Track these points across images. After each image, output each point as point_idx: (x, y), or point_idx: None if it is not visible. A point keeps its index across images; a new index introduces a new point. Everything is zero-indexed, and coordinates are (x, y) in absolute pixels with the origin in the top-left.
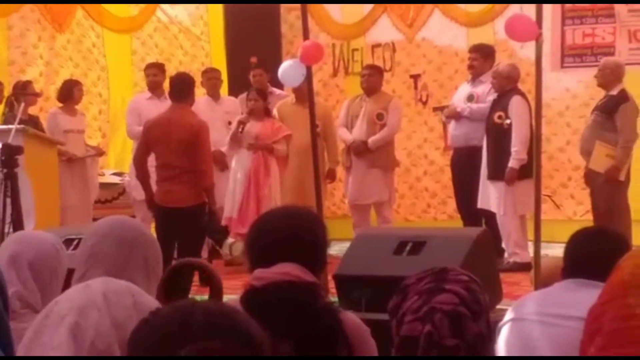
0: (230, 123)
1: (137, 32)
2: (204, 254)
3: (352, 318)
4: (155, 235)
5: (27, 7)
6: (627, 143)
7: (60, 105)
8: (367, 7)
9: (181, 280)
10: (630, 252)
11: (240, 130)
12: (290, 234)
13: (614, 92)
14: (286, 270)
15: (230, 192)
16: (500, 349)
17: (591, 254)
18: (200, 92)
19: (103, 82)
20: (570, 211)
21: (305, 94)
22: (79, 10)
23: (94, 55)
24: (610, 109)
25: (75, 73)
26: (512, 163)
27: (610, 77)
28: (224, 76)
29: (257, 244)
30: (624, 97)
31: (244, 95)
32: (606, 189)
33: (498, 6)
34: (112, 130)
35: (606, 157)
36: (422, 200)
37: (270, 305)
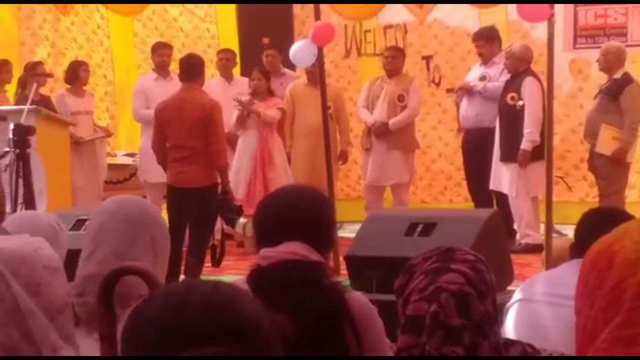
0: None
1: (139, 15)
2: (217, 235)
3: (358, 297)
4: (166, 215)
5: None
6: (633, 124)
7: (68, 86)
8: None
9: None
10: (616, 233)
11: (246, 113)
12: (296, 213)
13: (618, 75)
14: (292, 249)
15: (234, 173)
16: (509, 329)
17: (601, 234)
18: (208, 73)
19: (107, 63)
20: (583, 192)
21: (317, 75)
22: None
23: (98, 37)
24: (615, 92)
25: (80, 55)
26: (525, 145)
27: (613, 61)
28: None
29: (263, 223)
30: (628, 79)
31: None
32: (612, 170)
33: None
34: (120, 111)
35: (612, 139)
36: (439, 182)
37: (275, 284)
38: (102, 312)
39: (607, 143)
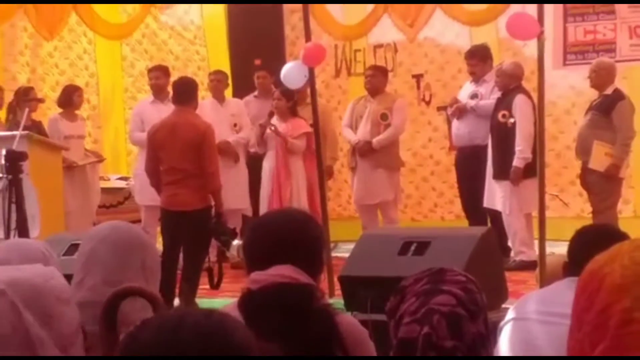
0: (235, 125)
1: (127, 39)
2: (212, 257)
3: (349, 320)
4: (161, 239)
5: (16, 15)
6: (625, 140)
7: (60, 111)
8: (369, 8)
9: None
10: (609, 254)
11: (261, 133)
12: (286, 236)
13: (609, 91)
14: (282, 272)
15: (262, 195)
16: (503, 348)
17: (594, 253)
18: (200, 95)
19: (91, 88)
20: (578, 209)
21: (305, 95)
22: (72, 16)
23: (84, 62)
24: (607, 108)
25: (61, 80)
26: (517, 162)
27: (605, 77)
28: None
29: (253, 247)
30: (619, 95)
31: (248, 97)
32: (605, 186)
33: (501, 4)
34: (104, 135)
35: (605, 155)
36: (429, 200)
37: (266, 308)
38: (105, 336)
39: (600, 159)
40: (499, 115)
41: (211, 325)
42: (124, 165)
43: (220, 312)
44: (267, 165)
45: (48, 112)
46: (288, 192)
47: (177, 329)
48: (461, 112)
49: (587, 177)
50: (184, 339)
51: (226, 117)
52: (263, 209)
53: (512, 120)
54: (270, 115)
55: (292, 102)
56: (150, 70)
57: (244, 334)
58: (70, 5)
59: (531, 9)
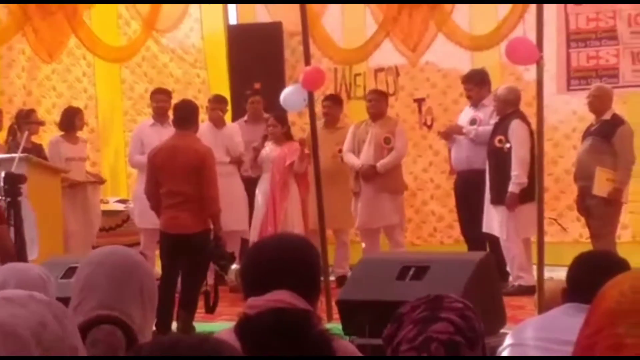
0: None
1: (127, 61)
2: (210, 280)
3: (345, 346)
4: (160, 262)
5: (14, 38)
6: (628, 165)
7: (61, 133)
8: (369, 31)
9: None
10: (614, 280)
11: (254, 157)
12: (282, 261)
13: (607, 116)
14: (279, 297)
15: (254, 218)
16: None
17: (593, 279)
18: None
19: (90, 110)
20: (577, 234)
21: (336, 120)
22: (72, 39)
23: (83, 85)
24: (607, 133)
25: (59, 103)
26: (512, 187)
27: (606, 103)
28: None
29: (250, 272)
30: (619, 120)
31: (239, 121)
32: (606, 211)
33: (503, 29)
34: (103, 158)
35: (607, 181)
36: (429, 224)
37: (262, 333)
38: None
39: (602, 185)
40: (496, 141)
41: (206, 351)
42: (123, 188)
43: (216, 338)
44: (262, 188)
45: (44, 135)
46: (282, 215)
47: (172, 351)
48: (454, 131)
49: (588, 202)
50: None
51: (222, 142)
52: (254, 232)
53: (508, 145)
54: (264, 139)
55: (286, 127)
56: (154, 93)
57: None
58: (69, 28)
59: (532, 34)
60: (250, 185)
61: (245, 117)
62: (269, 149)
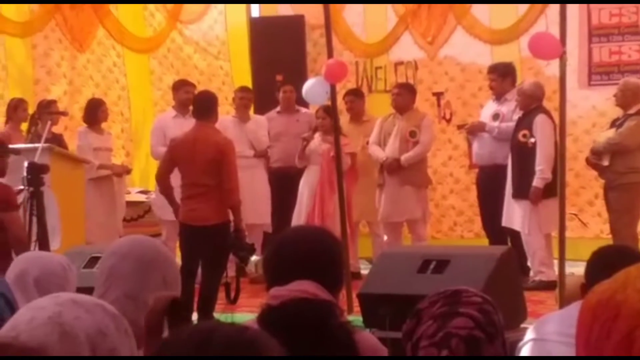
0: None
1: (154, 52)
2: (231, 271)
3: (368, 338)
4: (180, 253)
5: (49, 26)
6: None
7: (86, 125)
8: (390, 25)
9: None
10: (611, 283)
11: (303, 147)
12: (306, 252)
13: (632, 111)
14: (302, 287)
15: (297, 209)
16: None
17: (610, 275)
18: (223, 110)
19: (124, 101)
20: (597, 229)
21: (362, 113)
22: (100, 29)
23: (114, 75)
24: None
25: (97, 92)
26: (537, 182)
27: (631, 98)
28: None
29: (274, 262)
30: None
31: (271, 112)
32: (624, 203)
33: (523, 23)
34: (135, 148)
35: None
36: (449, 218)
37: (285, 323)
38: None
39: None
40: (520, 135)
41: (243, 339)
42: (153, 179)
43: (255, 329)
44: (309, 180)
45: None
46: (331, 208)
47: (209, 339)
48: (477, 129)
49: (608, 195)
50: (214, 349)
51: (246, 136)
52: (299, 223)
53: (532, 140)
54: (314, 130)
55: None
56: (181, 85)
57: (279, 352)
58: (97, 18)
59: (554, 29)
60: (279, 179)
61: (278, 108)
62: (318, 142)
